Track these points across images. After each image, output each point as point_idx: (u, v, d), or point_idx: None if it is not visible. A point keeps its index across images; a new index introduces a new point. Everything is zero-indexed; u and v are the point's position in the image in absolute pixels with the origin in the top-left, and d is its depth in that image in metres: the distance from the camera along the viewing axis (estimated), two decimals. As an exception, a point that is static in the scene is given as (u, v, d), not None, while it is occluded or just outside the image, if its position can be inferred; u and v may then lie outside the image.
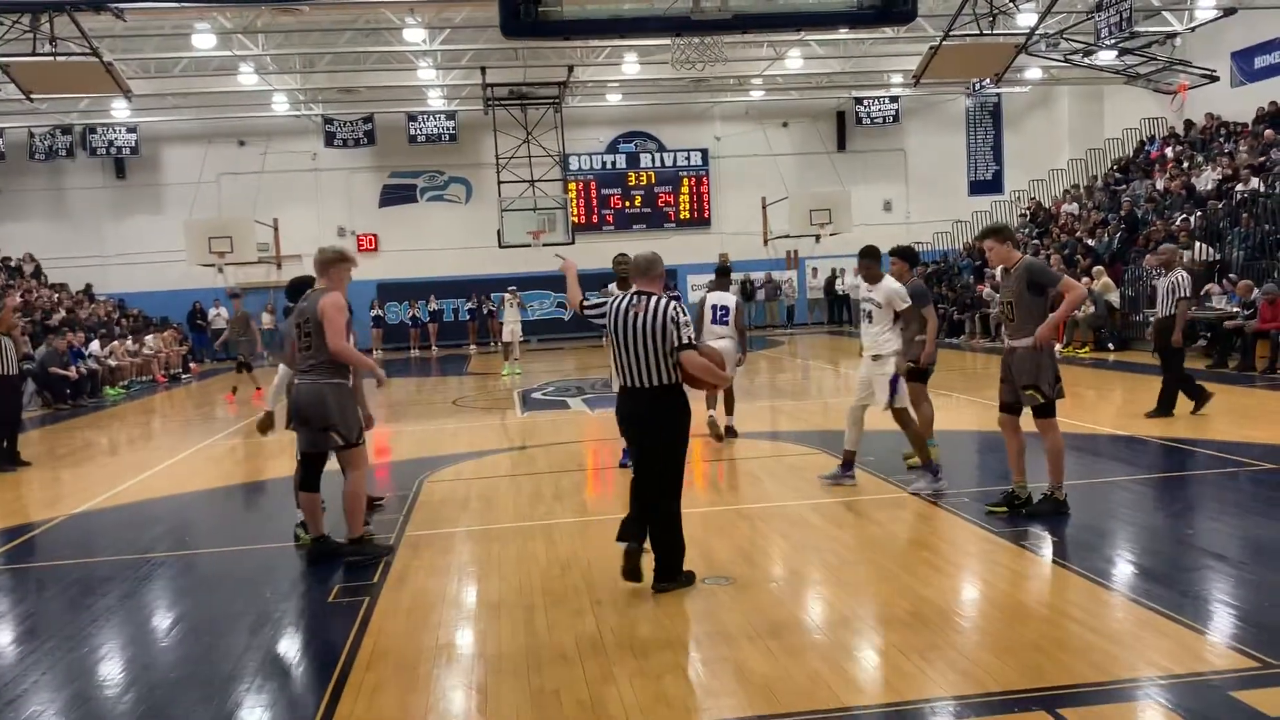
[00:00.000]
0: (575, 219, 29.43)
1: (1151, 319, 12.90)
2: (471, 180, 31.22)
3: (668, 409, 5.80)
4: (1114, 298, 20.09)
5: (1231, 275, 17.85)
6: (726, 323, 10.62)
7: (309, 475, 6.93)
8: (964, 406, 12.97)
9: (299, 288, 7.23)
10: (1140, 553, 6.50)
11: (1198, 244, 19.63)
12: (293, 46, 24.98)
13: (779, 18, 8.42)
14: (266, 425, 7.91)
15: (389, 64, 26.56)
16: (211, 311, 28.76)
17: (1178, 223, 21.09)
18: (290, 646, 5.49)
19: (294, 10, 21.20)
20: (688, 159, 32.15)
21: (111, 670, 5.25)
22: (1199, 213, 21.17)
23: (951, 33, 17.75)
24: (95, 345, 21.65)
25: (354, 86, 27.76)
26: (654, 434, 5.84)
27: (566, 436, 12.36)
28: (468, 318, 30.62)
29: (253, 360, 18.08)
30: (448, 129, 29.74)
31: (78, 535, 8.51)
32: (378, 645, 5.29)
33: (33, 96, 19.08)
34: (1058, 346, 7.86)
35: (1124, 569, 6.13)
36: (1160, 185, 24.22)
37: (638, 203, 31.93)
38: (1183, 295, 11.31)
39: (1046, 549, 6.53)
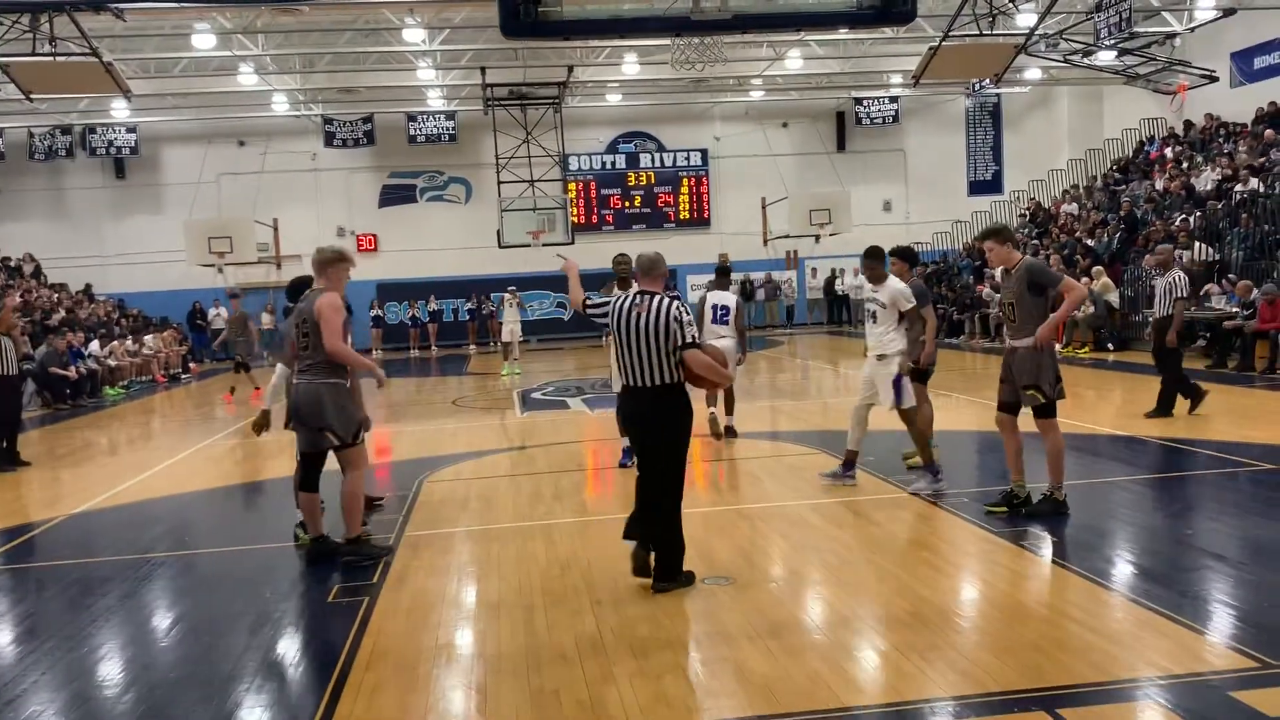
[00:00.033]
0: (575, 219, 29.44)
1: (1150, 319, 12.90)
2: (471, 180, 31.22)
3: (670, 408, 5.82)
4: (1113, 298, 20.09)
5: (1231, 276, 17.86)
6: (727, 322, 10.65)
7: (308, 475, 6.93)
8: (964, 407, 12.97)
9: (299, 288, 7.23)
10: (1140, 553, 6.50)
11: (1197, 244, 19.64)
12: (292, 46, 24.98)
13: (778, 18, 8.42)
14: (262, 425, 7.88)
15: (389, 64, 26.57)
16: (211, 311, 28.77)
17: (1177, 223, 21.10)
18: (290, 646, 5.49)
19: (294, 10, 21.20)
20: (687, 159, 32.16)
21: (111, 670, 5.25)
22: (1198, 213, 21.18)
23: (951, 33, 17.75)
24: (95, 345, 21.65)
25: (354, 86, 27.77)
26: (656, 433, 5.87)
27: (566, 436, 12.36)
28: (467, 318, 30.63)
29: (250, 360, 18.07)
30: (447, 129, 29.75)
31: (77, 535, 8.51)
32: (377, 645, 5.29)
33: (32, 96, 19.08)
34: (1057, 347, 7.85)
35: (1123, 569, 6.14)
36: (1160, 185, 24.22)
37: (637, 203, 31.94)
38: (1179, 295, 11.31)
39: (1046, 549, 6.53)
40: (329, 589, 6.36)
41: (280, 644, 5.49)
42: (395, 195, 31.35)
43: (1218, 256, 19.20)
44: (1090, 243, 23.24)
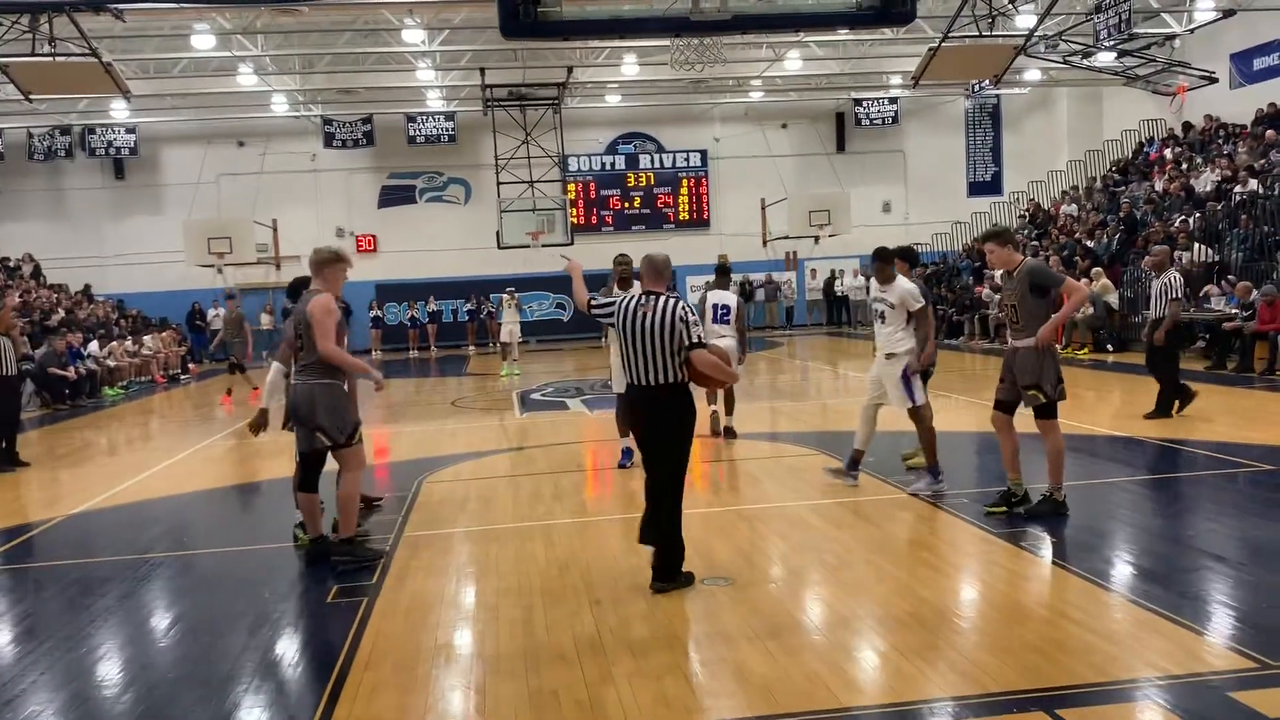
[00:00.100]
0: (574, 220, 29.44)
1: (1148, 321, 12.89)
2: (470, 181, 31.23)
3: (673, 407, 5.87)
4: (1113, 299, 20.10)
5: (1230, 277, 17.86)
6: (728, 322, 10.66)
7: (308, 476, 6.93)
8: (963, 408, 12.97)
9: (299, 288, 7.22)
10: (1139, 554, 6.50)
11: (1196, 245, 19.65)
12: (292, 47, 24.99)
13: (778, 18, 8.44)
14: (259, 424, 7.86)
15: (388, 65, 26.57)
16: (210, 312, 28.75)
17: (1176, 224, 21.10)
18: (289, 647, 5.48)
19: (293, 11, 21.21)
20: (687, 160, 32.17)
21: (110, 670, 5.24)
22: (1198, 214, 21.19)
23: (950, 34, 17.75)
24: (94, 346, 21.63)
25: (353, 87, 27.78)
26: (657, 432, 5.92)
27: (565, 437, 12.35)
28: (466, 319, 30.63)
29: (244, 361, 18.08)
30: (447, 130, 29.75)
31: (76, 535, 8.50)
32: (376, 646, 5.28)
33: (32, 97, 19.07)
34: (1057, 348, 7.86)
35: (1123, 570, 6.14)
36: (1159, 187, 24.24)
37: (637, 204, 31.94)
38: (1175, 296, 11.32)
39: (1045, 550, 6.53)
40: (328, 589, 6.35)
41: (279, 644, 5.48)
42: (394, 196, 31.35)
43: (1217, 258, 19.21)
44: (1089, 244, 23.25)
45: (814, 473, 9.27)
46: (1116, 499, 7.92)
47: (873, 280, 8.53)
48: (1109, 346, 19.42)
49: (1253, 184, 20.57)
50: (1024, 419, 7.39)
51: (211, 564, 7.34)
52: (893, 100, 30.88)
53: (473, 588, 6.34)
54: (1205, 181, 22.64)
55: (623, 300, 6.04)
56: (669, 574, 5.92)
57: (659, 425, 5.91)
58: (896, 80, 29.44)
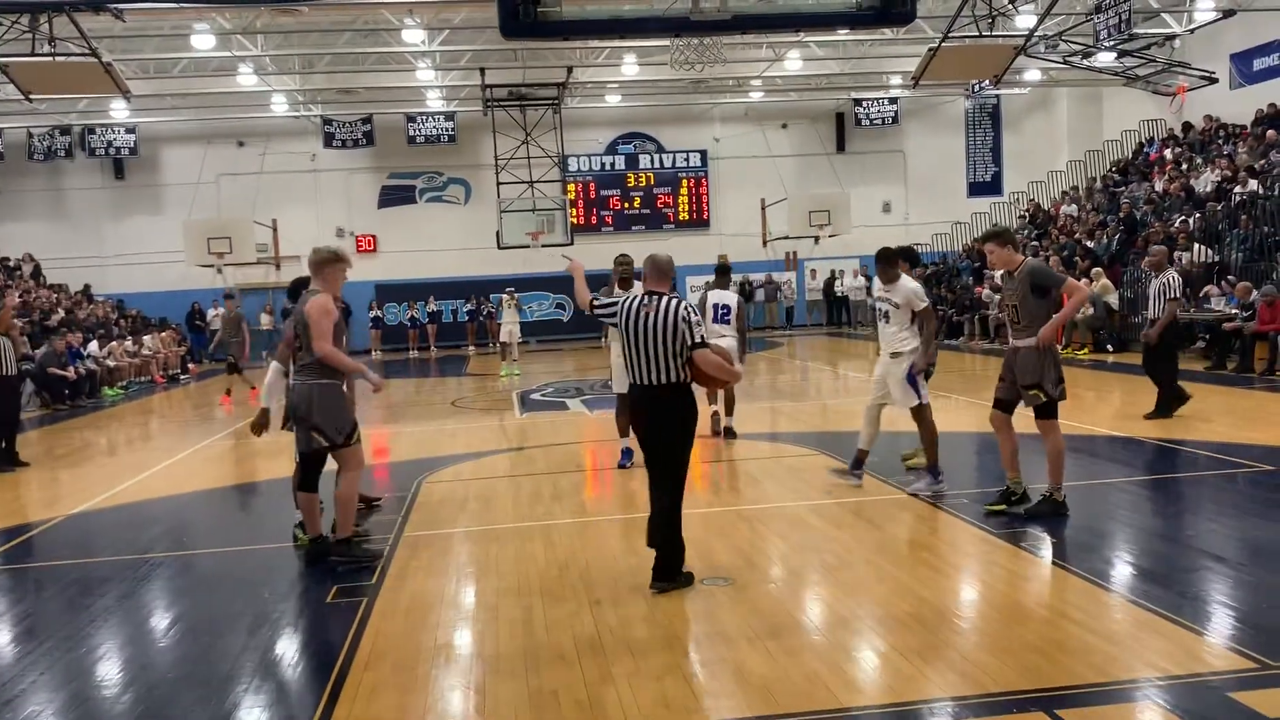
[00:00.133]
0: (574, 220, 29.43)
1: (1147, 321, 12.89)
2: (470, 181, 31.23)
3: (676, 407, 5.91)
4: (1113, 299, 20.11)
5: (1230, 277, 17.86)
6: (728, 321, 10.67)
7: (308, 476, 6.93)
8: (963, 408, 12.97)
9: (299, 288, 7.22)
10: (1139, 554, 6.50)
11: (1196, 246, 19.65)
12: (292, 47, 24.98)
13: (778, 18, 8.44)
14: (261, 424, 7.86)
15: (388, 65, 26.57)
16: (210, 312, 28.73)
17: (1176, 225, 21.10)
18: (288, 647, 5.48)
19: (293, 11, 21.21)
20: (687, 160, 32.16)
21: (110, 670, 5.24)
22: (1198, 215, 21.19)
23: (950, 34, 17.75)
24: (94, 346, 21.63)
25: (353, 87, 27.78)
26: (659, 432, 5.95)
27: (565, 438, 12.35)
28: (466, 319, 30.63)
29: (241, 362, 18.10)
30: (447, 130, 29.74)
31: (76, 535, 8.50)
32: (376, 646, 5.28)
33: (32, 97, 19.06)
34: (1057, 348, 7.88)
35: (1123, 570, 6.13)
36: (1159, 187, 24.23)
37: (637, 204, 31.94)
38: (1173, 296, 11.33)
39: (1045, 550, 6.53)
40: (328, 589, 6.35)
41: (279, 644, 5.48)
42: (394, 196, 31.35)
43: (1217, 258, 19.21)
44: (1089, 244, 23.25)
45: (814, 473, 9.27)
46: (1116, 499, 7.92)
47: (876, 280, 8.54)
48: (1109, 347, 19.42)
49: (1252, 184, 20.57)
50: (1024, 419, 7.39)
51: (211, 564, 7.34)
52: (893, 100, 30.88)
53: (473, 588, 6.34)
54: (1205, 182, 22.64)
55: (625, 300, 6.06)
56: (669, 574, 5.92)
57: (661, 425, 5.94)
58: (896, 80, 29.44)
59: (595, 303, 6.29)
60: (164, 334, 26.82)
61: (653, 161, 32.10)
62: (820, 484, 8.77)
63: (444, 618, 5.75)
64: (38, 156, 29.03)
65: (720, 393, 10.98)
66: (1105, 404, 13.56)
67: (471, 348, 29.89)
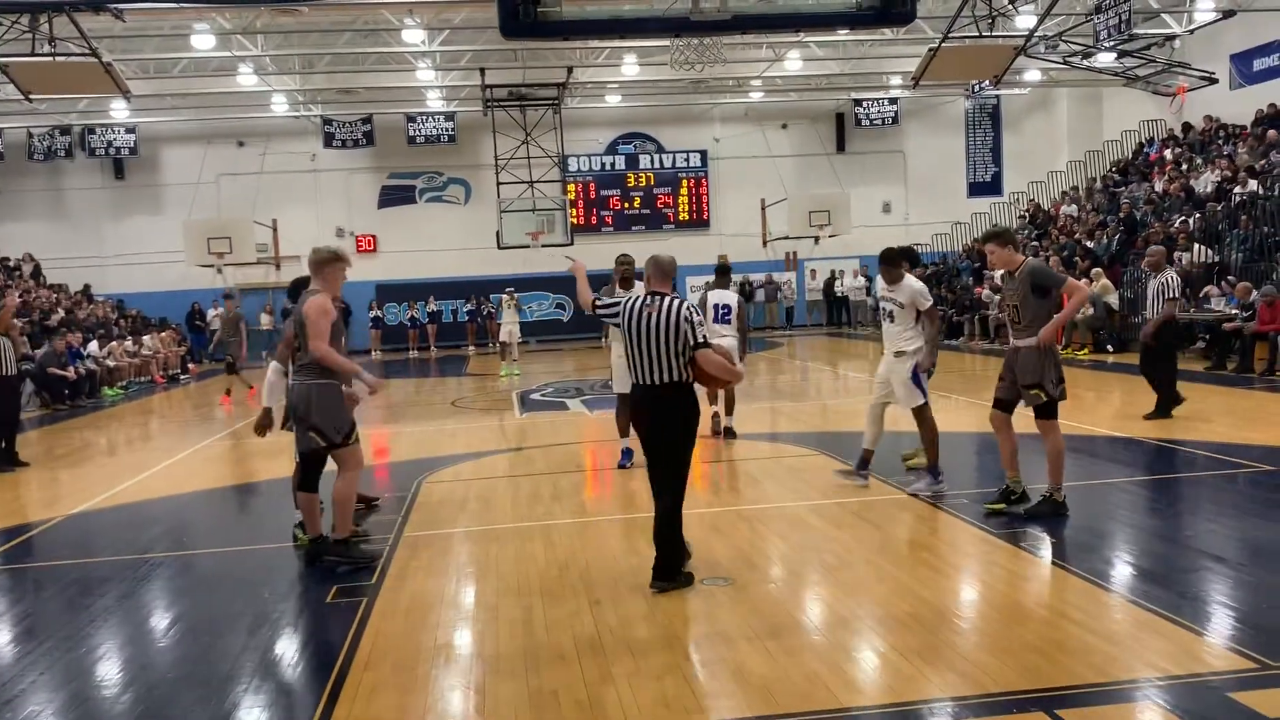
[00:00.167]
0: (574, 220, 29.43)
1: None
2: (470, 181, 31.23)
3: (678, 406, 5.94)
4: (1113, 300, 20.11)
5: (1230, 277, 17.87)
6: (729, 321, 10.68)
7: (308, 476, 6.92)
8: (963, 408, 12.97)
9: (300, 288, 7.21)
10: (1139, 554, 6.50)
11: (1196, 246, 19.65)
12: (292, 47, 24.99)
13: (778, 19, 8.44)
14: (264, 424, 7.85)
15: (388, 65, 26.57)
16: (210, 312, 28.72)
17: (1176, 225, 21.10)
18: (288, 647, 5.48)
19: (293, 11, 21.21)
20: (687, 160, 32.17)
21: (109, 670, 5.24)
22: (1198, 215, 21.19)
23: (950, 34, 17.75)
24: (94, 346, 21.63)
25: (353, 87, 27.78)
26: (661, 431, 5.98)
27: (565, 438, 12.35)
28: (466, 319, 30.62)
29: (239, 361, 18.12)
30: (447, 130, 29.75)
31: (76, 535, 8.50)
32: (376, 646, 5.28)
33: (32, 97, 19.06)
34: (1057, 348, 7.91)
35: (1122, 570, 6.13)
36: (1159, 187, 24.23)
37: (637, 204, 31.94)
38: (1170, 296, 11.34)
39: (1045, 550, 6.53)
40: (327, 589, 6.34)
41: (279, 644, 5.48)
42: (394, 196, 31.36)
43: (1217, 258, 19.21)
44: (1089, 244, 23.26)
45: (814, 473, 9.28)
46: (1116, 499, 7.92)
47: (879, 280, 8.55)
48: (1109, 347, 19.43)
49: (1252, 185, 20.57)
50: (1024, 419, 7.39)
51: (211, 564, 7.34)
52: (893, 101, 30.88)
53: (472, 588, 6.34)
54: (1205, 182, 22.63)
55: (628, 301, 6.08)
56: (669, 573, 5.93)
57: (664, 424, 5.96)
58: (896, 80, 29.44)
59: (598, 303, 6.31)
60: (164, 334, 26.82)
61: (653, 162, 32.10)
62: (820, 484, 8.77)
63: (444, 618, 5.75)
64: (38, 156, 29.04)
65: (720, 393, 11.00)
66: (1105, 404, 13.56)
67: (471, 348, 29.89)
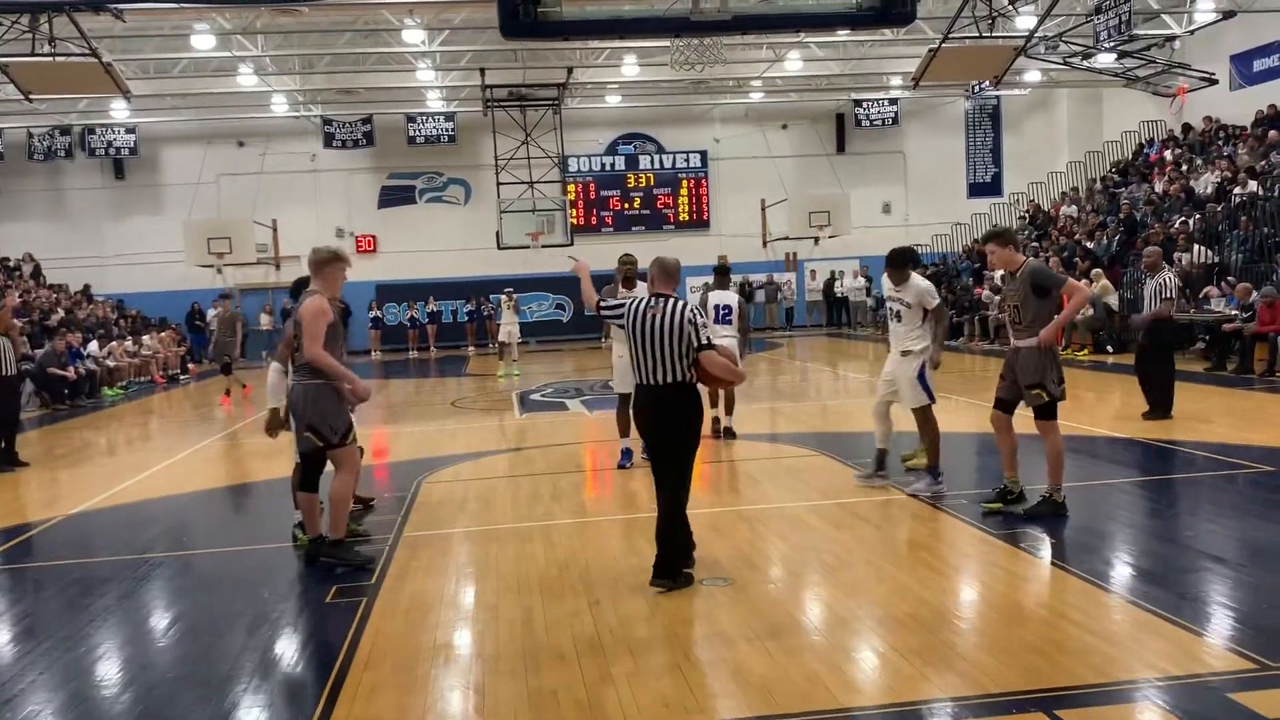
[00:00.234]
0: (574, 221, 29.43)
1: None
2: (470, 181, 31.24)
3: (681, 406, 5.97)
4: (1113, 300, 20.11)
5: (1230, 278, 17.87)
6: (730, 322, 10.69)
7: (308, 476, 6.91)
8: (963, 408, 12.97)
9: (301, 288, 7.20)
10: (1138, 555, 6.50)
11: (1196, 247, 19.65)
12: (292, 47, 24.99)
13: (778, 19, 8.44)
14: (274, 424, 7.82)
15: (388, 65, 26.58)
16: (210, 312, 28.63)
17: (1176, 226, 21.11)
18: (288, 647, 5.48)
19: (293, 11, 21.21)
20: (687, 161, 32.17)
21: (109, 670, 5.24)
22: (1198, 216, 21.19)
23: (951, 35, 17.76)
24: (94, 346, 21.63)
25: (353, 87, 27.79)
26: (665, 431, 6.01)
27: (565, 438, 12.35)
28: (466, 319, 30.62)
29: (232, 360, 18.19)
30: (447, 130, 29.75)
31: (76, 535, 8.50)
32: (375, 646, 5.28)
33: (32, 97, 19.05)
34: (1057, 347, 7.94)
35: (1122, 571, 6.14)
36: (1159, 188, 24.24)
37: (637, 204, 31.94)
38: (1167, 296, 11.36)
39: (1044, 551, 6.53)
40: (327, 589, 6.34)
41: (278, 644, 5.48)
42: (394, 196, 31.36)
43: (1217, 259, 19.21)
44: (1089, 245, 23.26)
45: (814, 474, 9.28)
46: (1116, 500, 7.93)
47: (886, 281, 8.57)
48: (1109, 348, 19.43)
49: (1252, 185, 20.57)
50: (1024, 419, 7.40)
51: (211, 564, 7.34)
52: (893, 101, 30.87)
53: (472, 588, 6.34)
54: (1205, 183, 22.63)
55: (632, 302, 6.11)
56: (670, 572, 5.93)
57: (667, 424, 5.99)
58: (896, 81, 29.44)
59: (602, 304, 6.36)
60: (164, 334, 26.82)
61: (653, 162, 32.10)
62: (820, 484, 8.78)
63: (444, 618, 5.75)
64: (38, 156, 29.04)
65: (721, 394, 11.01)
66: (1105, 404, 13.56)
67: (471, 348, 29.88)
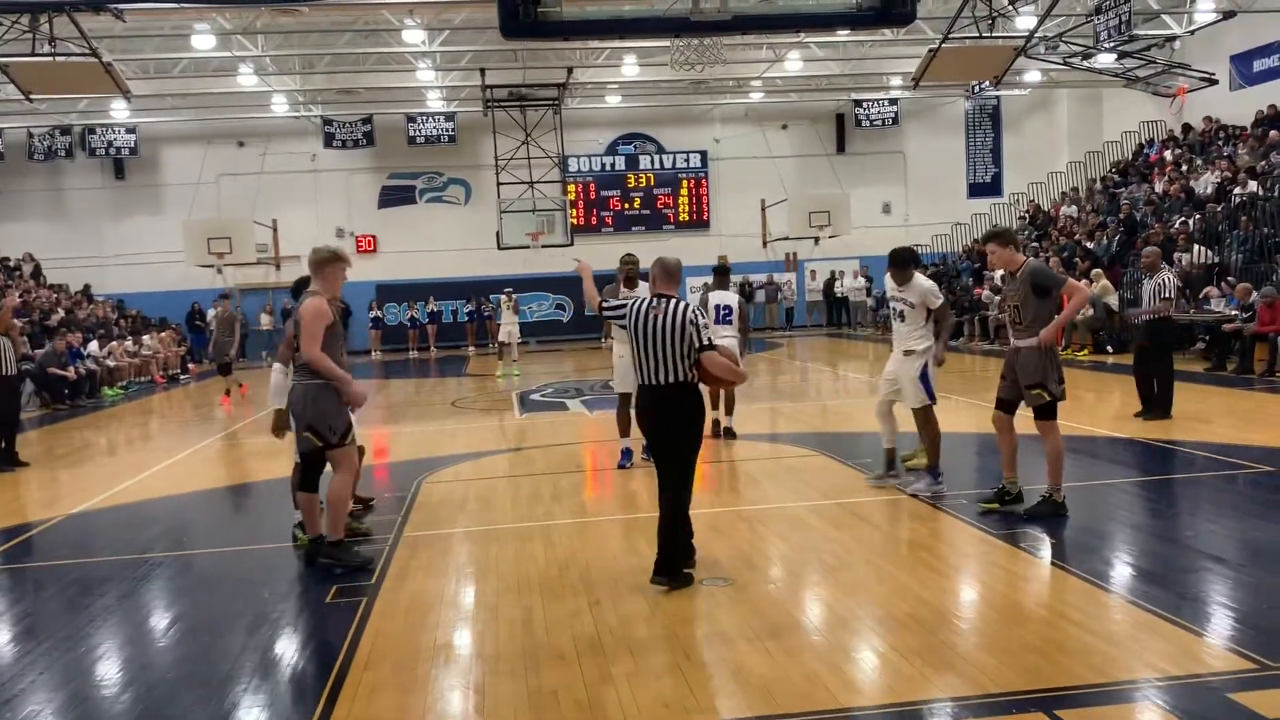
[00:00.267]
0: (574, 221, 29.42)
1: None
2: (470, 181, 31.23)
3: (683, 405, 5.99)
4: (1113, 300, 20.10)
5: (1230, 278, 17.87)
6: (730, 322, 10.70)
7: (308, 476, 6.91)
8: (963, 408, 12.96)
9: (303, 287, 7.20)
10: (1138, 555, 6.50)
11: (1196, 247, 19.65)
12: (292, 47, 24.99)
13: (778, 19, 8.44)
14: (280, 425, 7.80)
15: (388, 65, 26.58)
16: (210, 312, 28.64)
17: (1176, 226, 21.11)
18: (288, 647, 5.48)
19: (293, 11, 21.21)
20: (687, 161, 32.16)
21: (109, 670, 5.24)
22: (1198, 216, 21.19)
23: (951, 35, 17.76)
24: (94, 346, 21.63)
25: (353, 87, 27.79)
26: (667, 431, 6.03)
27: (565, 438, 12.35)
28: (466, 319, 30.62)
29: (229, 360, 18.20)
30: (447, 130, 29.74)
31: (76, 535, 8.50)
32: (375, 646, 5.28)
33: (32, 97, 19.05)
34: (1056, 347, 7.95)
35: (1122, 571, 6.14)
36: (1159, 188, 24.24)
37: (637, 205, 31.93)
38: (1165, 296, 11.37)
39: (1044, 551, 6.53)
40: (327, 589, 6.34)
41: (278, 644, 5.48)
42: (394, 196, 31.36)
43: (1217, 259, 19.21)
44: (1090, 245, 23.26)
45: (814, 474, 9.28)
46: (1116, 500, 7.93)
47: (889, 281, 8.57)
48: (1109, 348, 19.43)
49: (1252, 186, 20.57)
50: (1023, 419, 7.40)
51: (210, 564, 7.34)
52: (893, 101, 30.87)
53: (472, 588, 6.34)
54: (1205, 183, 22.64)
55: (634, 302, 6.13)
56: (670, 569, 5.94)
57: (669, 424, 6.01)
58: (897, 81, 29.43)
59: (604, 305, 6.40)
60: (164, 334, 26.82)
61: (653, 162, 32.10)
62: (820, 484, 8.78)
63: (444, 618, 5.75)
64: (38, 156, 29.04)
65: (721, 394, 11.01)
66: (1105, 404, 13.56)
67: (471, 348, 29.88)
